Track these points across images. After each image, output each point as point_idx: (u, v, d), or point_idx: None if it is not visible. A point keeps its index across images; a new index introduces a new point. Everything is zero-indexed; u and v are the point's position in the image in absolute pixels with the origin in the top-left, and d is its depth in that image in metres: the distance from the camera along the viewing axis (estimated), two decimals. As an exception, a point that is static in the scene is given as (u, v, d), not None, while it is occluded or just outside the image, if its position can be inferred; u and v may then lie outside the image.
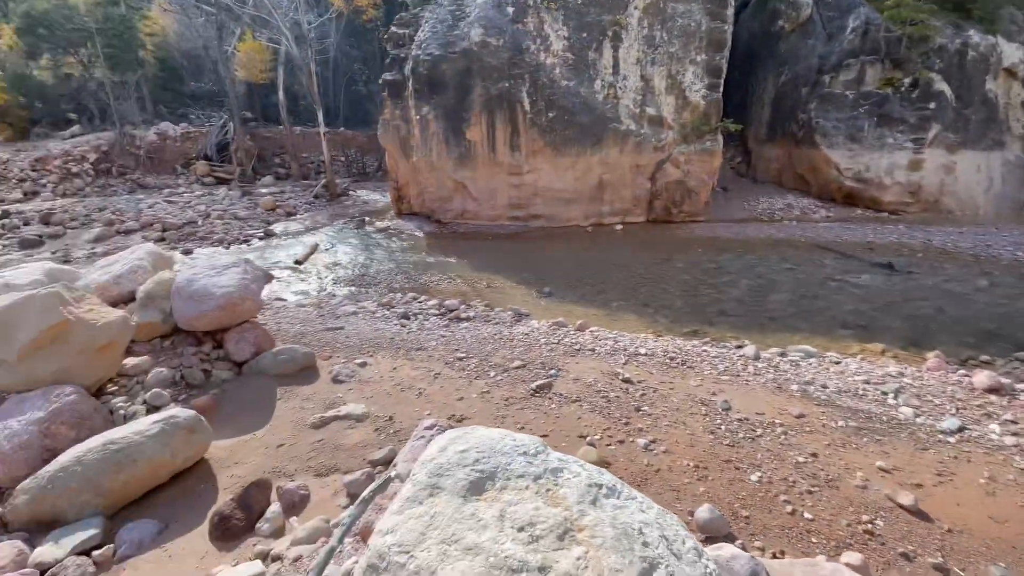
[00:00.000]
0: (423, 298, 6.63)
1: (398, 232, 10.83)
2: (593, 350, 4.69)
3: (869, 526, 2.51)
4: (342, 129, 18.98)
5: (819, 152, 10.96)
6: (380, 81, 11.60)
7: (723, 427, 3.32)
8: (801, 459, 2.98)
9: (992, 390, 3.76)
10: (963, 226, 9.25)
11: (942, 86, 10.25)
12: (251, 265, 4.43)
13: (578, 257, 8.94)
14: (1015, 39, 10.38)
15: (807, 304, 6.14)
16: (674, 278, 7.61)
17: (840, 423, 3.30)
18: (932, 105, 10.20)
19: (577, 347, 4.76)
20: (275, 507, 2.59)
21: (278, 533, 2.47)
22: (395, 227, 11.13)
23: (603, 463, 3.07)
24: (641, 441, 3.24)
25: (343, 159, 17.75)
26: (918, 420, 3.32)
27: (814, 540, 2.46)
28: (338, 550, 1.91)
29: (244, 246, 9.58)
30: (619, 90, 10.00)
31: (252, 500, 2.58)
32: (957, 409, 3.47)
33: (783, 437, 3.19)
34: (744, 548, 2.43)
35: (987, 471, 2.87)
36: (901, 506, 2.61)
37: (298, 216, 12.27)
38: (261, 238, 10.16)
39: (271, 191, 14.33)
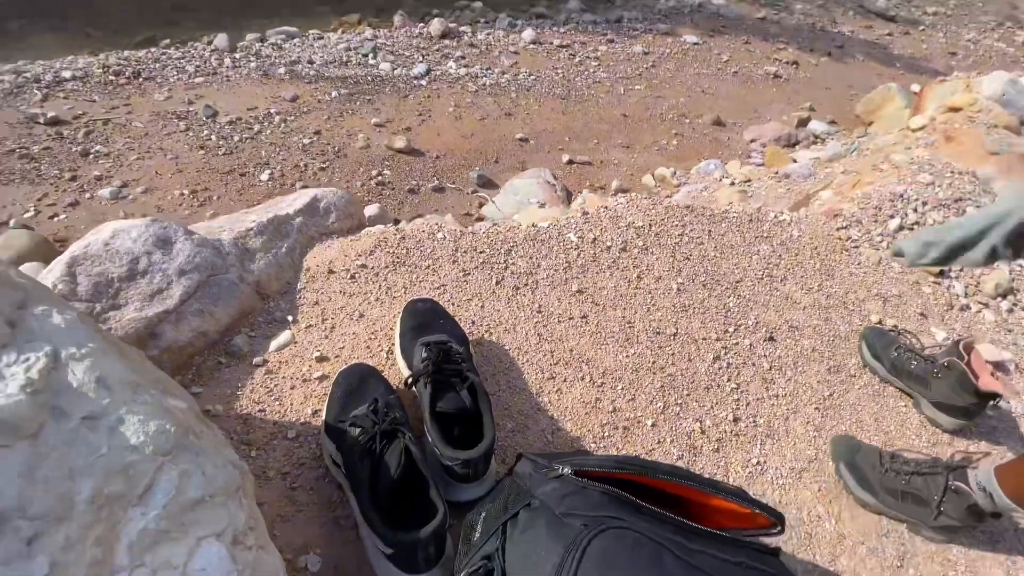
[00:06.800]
0: None
1: None
2: (-28, 94, 2.80)
3: (379, 178, 2.59)
4: None
5: None
6: None
7: (213, 137, 2.62)
8: (307, 141, 2.70)
9: (444, 35, 4.22)
10: None
11: None
12: None
13: None
14: None
15: (277, -18, 5.24)
16: (94, -29, 5.10)
17: (334, 94, 3.09)
18: None
19: (-65, 98, 2.74)
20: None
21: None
22: None
23: (55, 242, 2.05)
24: (106, 191, 2.27)
25: None
26: (396, 72, 3.45)
27: (338, 210, 2.39)
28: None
29: None
30: None
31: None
32: (423, 56, 3.77)
33: (283, 125, 2.78)
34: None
35: (452, 101, 3.30)
36: (399, 151, 2.77)
37: None
38: None
39: None
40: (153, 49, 3.61)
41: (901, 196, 1.62)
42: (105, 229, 1.03)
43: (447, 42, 4.10)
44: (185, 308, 1.02)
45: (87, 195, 2.23)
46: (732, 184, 2.54)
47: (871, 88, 4.03)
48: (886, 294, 1.47)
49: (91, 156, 2.43)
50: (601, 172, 2.96)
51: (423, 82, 3.41)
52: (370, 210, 2.34)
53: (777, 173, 2.59)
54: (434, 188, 2.65)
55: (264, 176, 2.45)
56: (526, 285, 1.32)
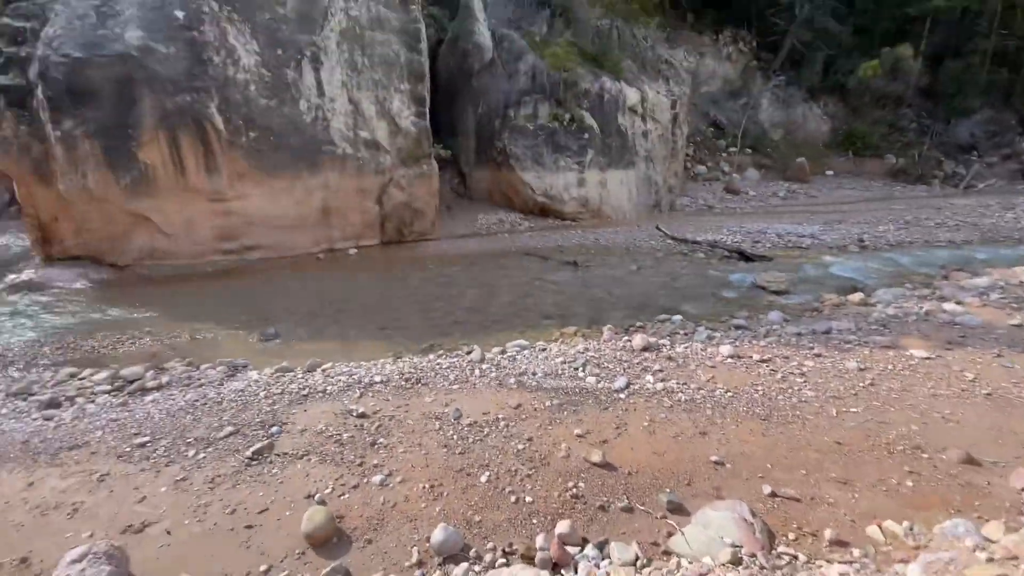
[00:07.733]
0: (88, 372, 4.99)
1: (45, 285, 8.04)
2: (325, 391, 4.27)
3: (574, 490, 2.88)
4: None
5: (515, 175, 12.84)
6: (-16, 85, 8.45)
7: (455, 437, 3.39)
8: (520, 446, 3.26)
9: (645, 348, 4.87)
10: (618, 227, 12.11)
11: (591, 121, 13.23)
12: None
13: (309, 288, 8.22)
14: (632, 84, 14.13)
15: (520, 303, 7.00)
16: (410, 296, 7.69)
17: (547, 403, 3.76)
18: (586, 135, 13.07)
19: (305, 392, 4.26)
20: None
21: None
22: (41, 279, 8.23)
23: (336, 518, 2.75)
24: (377, 478, 3.04)
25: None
26: (599, 385, 4.05)
27: (535, 521, 2.68)
28: None
29: None
30: (328, 112, 9.65)
31: None
32: (624, 369, 4.37)
33: (506, 429, 3.44)
34: (479, 555, 2.48)
35: (647, 415, 3.64)
36: (594, 464, 3.08)
37: None
38: None
39: None
40: (431, 356, 5.05)
41: None
42: None
43: (647, 355, 4.71)
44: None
45: (365, 479, 3.03)
46: (991, 560, 2.07)
47: None
48: None
49: (376, 446, 3.36)
50: (811, 513, 2.72)
51: (622, 395, 3.90)
52: (561, 527, 2.59)
53: (1064, 555, 2.04)
54: (623, 508, 2.79)
55: (483, 478, 2.98)
56: None
